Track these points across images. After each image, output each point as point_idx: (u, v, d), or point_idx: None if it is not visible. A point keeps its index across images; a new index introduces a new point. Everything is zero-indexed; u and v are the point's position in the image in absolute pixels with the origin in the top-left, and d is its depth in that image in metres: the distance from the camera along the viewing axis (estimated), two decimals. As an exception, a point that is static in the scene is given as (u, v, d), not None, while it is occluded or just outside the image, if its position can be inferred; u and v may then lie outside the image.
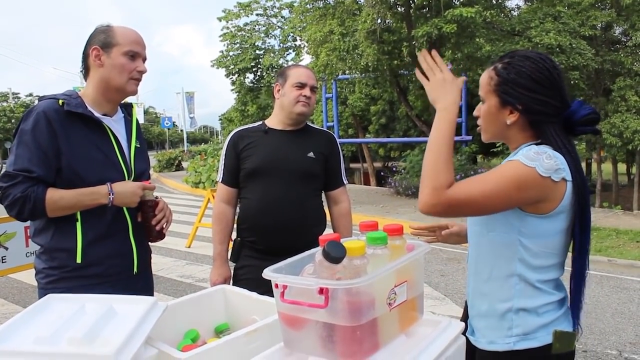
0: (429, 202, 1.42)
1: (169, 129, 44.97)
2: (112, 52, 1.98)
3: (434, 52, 1.61)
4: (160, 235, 2.13)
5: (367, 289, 1.19)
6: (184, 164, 26.47)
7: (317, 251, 1.27)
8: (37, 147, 1.86)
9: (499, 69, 1.57)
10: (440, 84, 1.55)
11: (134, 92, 2.08)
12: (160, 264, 7.07)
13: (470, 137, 15.48)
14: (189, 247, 8.37)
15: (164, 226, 2.11)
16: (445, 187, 1.41)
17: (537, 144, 1.53)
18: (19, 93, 58.50)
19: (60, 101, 1.93)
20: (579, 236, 1.53)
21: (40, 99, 2.00)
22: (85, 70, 2.04)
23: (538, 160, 1.44)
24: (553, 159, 1.45)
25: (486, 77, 1.60)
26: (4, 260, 5.26)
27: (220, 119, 41.40)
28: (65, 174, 1.91)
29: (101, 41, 1.98)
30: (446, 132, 1.50)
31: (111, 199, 1.94)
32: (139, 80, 2.06)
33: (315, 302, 1.17)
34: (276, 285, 1.26)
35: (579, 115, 1.52)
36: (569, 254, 1.61)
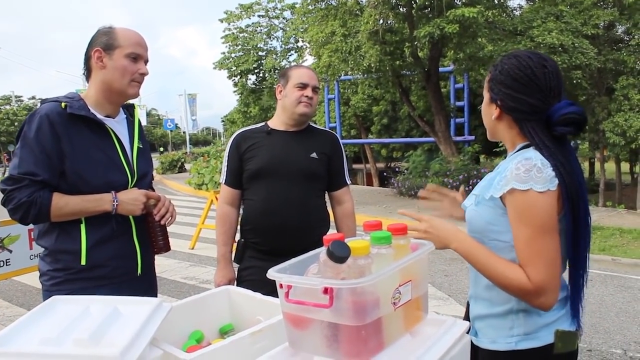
0: (539, 304, 1.46)
1: (171, 130, 44.96)
2: (114, 54, 1.98)
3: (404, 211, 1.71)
4: (165, 248, 2.14)
5: (372, 288, 1.19)
6: (187, 166, 26.51)
7: (322, 251, 1.27)
8: (41, 150, 1.87)
9: (492, 67, 1.64)
10: (433, 231, 1.59)
11: (136, 95, 2.08)
12: (163, 266, 7.08)
13: (473, 137, 15.49)
14: (193, 248, 8.38)
15: (168, 220, 2.12)
16: (526, 283, 1.43)
17: (527, 146, 1.55)
18: (21, 96, 58.82)
19: (63, 104, 1.93)
20: (572, 234, 1.50)
21: (43, 102, 2.00)
22: (88, 72, 2.05)
23: (530, 178, 1.43)
24: (544, 170, 1.44)
25: (487, 75, 1.68)
26: (7, 263, 5.28)
27: (223, 121, 41.43)
28: (69, 177, 1.91)
29: (103, 43, 1.98)
30: (475, 255, 1.53)
31: (115, 206, 1.95)
32: (140, 82, 2.07)
33: (320, 302, 1.17)
34: (281, 286, 1.26)
35: (558, 115, 1.48)
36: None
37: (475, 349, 1.63)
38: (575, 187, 1.47)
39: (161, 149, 40.43)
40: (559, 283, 1.47)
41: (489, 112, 1.64)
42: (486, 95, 1.65)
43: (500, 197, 1.50)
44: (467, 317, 1.76)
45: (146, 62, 2.08)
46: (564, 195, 1.46)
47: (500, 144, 1.84)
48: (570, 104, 1.50)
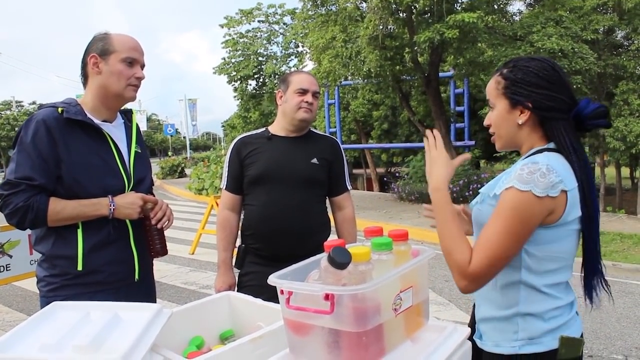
0: (462, 286, 1.48)
1: (171, 136, 45.00)
2: (109, 59, 1.99)
3: (435, 131, 1.68)
4: (163, 251, 2.13)
5: (373, 294, 1.19)
6: (187, 171, 26.52)
7: (322, 257, 1.27)
8: (37, 155, 1.86)
9: (505, 73, 1.60)
10: (430, 162, 1.63)
11: (133, 99, 2.08)
12: (164, 271, 7.07)
13: (473, 142, 15.50)
14: (193, 253, 8.37)
15: (165, 224, 2.11)
16: (465, 265, 1.45)
17: (540, 151, 1.55)
18: (22, 101, 58.96)
19: (60, 109, 1.93)
20: (588, 238, 1.55)
21: (40, 107, 2.01)
22: (84, 78, 2.05)
23: (532, 181, 1.43)
24: (547, 175, 1.43)
25: (493, 83, 1.63)
26: (8, 268, 5.27)
27: (223, 126, 41.42)
28: (66, 182, 1.91)
29: (99, 49, 1.99)
30: (445, 214, 1.54)
31: (112, 210, 1.95)
32: (137, 86, 2.07)
33: (321, 308, 1.17)
34: (282, 292, 1.26)
35: (589, 110, 1.53)
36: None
37: (479, 352, 1.63)
38: (590, 190, 1.51)
39: (170, 153, 40.36)
40: (489, 280, 1.48)
41: (510, 118, 1.59)
42: (503, 102, 1.59)
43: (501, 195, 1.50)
44: (472, 320, 1.76)
45: (142, 66, 2.08)
46: (581, 197, 1.49)
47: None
48: (590, 101, 1.56)
